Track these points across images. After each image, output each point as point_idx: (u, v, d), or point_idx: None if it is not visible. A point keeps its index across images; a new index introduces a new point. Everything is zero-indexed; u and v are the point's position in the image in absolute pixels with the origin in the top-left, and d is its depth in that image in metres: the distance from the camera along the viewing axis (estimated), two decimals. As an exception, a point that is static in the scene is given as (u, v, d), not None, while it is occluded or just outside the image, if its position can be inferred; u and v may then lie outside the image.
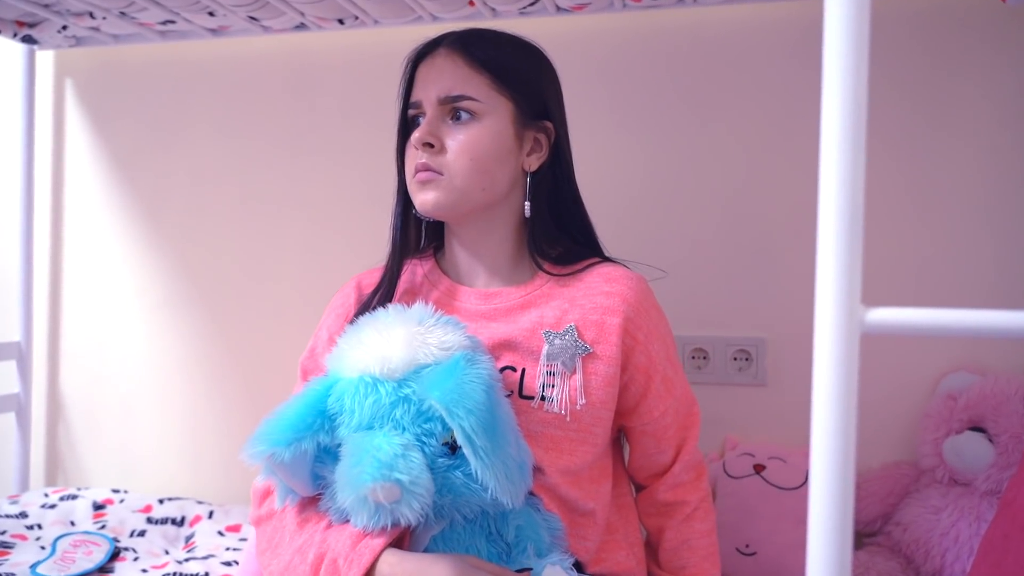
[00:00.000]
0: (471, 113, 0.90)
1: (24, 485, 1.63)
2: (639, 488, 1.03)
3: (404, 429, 0.78)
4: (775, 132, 1.35)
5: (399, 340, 0.80)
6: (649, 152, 1.40)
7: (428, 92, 0.92)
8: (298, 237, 1.57)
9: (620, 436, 1.03)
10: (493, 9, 1.37)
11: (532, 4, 1.34)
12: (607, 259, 0.99)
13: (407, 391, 0.78)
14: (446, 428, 0.77)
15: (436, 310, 0.86)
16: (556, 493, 0.89)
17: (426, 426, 0.78)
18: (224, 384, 1.61)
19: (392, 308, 0.87)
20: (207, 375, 1.61)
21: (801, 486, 1.24)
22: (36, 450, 1.68)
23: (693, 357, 1.37)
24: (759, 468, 1.27)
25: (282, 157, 1.57)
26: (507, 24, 1.39)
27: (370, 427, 0.78)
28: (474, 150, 0.89)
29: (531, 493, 0.87)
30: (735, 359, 1.36)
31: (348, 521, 0.80)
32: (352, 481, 0.74)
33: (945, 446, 1.18)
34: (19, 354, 1.63)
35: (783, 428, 1.34)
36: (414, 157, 0.92)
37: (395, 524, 0.77)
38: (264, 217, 1.58)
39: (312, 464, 0.82)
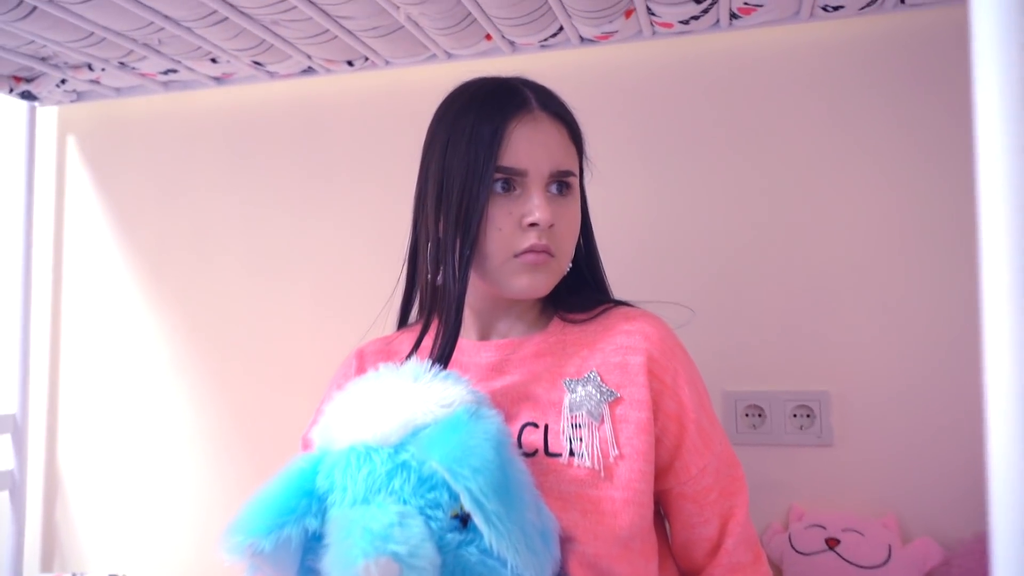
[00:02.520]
0: (571, 188, 0.85)
1: (17, 570, 1.50)
2: None
3: (405, 502, 0.66)
4: (831, 164, 1.22)
5: (392, 401, 0.70)
6: (687, 191, 1.28)
7: (539, 163, 0.81)
8: (310, 295, 1.46)
9: (661, 512, 0.89)
10: (512, 43, 1.27)
11: (554, 36, 1.24)
12: (622, 303, 0.90)
13: (405, 456, 0.67)
14: (454, 497, 0.66)
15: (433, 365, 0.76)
16: (598, 569, 0.75)
17: (430, 496, 0.66)
18: (233, 457, 1.48)
19: (382, 367, 0.76)
20: (215, 447, 1.49)
21: (884, 563, 1.07)
22: (31, 531, 1.56)
23: (747, 415, 1.23)
24: (832, 543, 1.11)
25: (291, 211, 1.48)
26: (528, 59, 1.30)
27: (366, 502, 0.66)
28: (575, 227, 0.86)
29: (564, 574, 0.74)
30: (795, 416, 1.21)
31: None
32: (340, 560, 0.61)
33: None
34: (14, 427, 1.52)
35: (856, 495, 1.18)
36: (516, 231, 0.81)
37: None
38: (273, 275, 1.48)
39: (301, 555, 0.69)
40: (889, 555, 1.08)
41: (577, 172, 0.86)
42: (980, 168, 0.34)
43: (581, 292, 0.90)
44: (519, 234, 0.81)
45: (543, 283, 0.83)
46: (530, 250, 0.80)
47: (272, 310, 1.47)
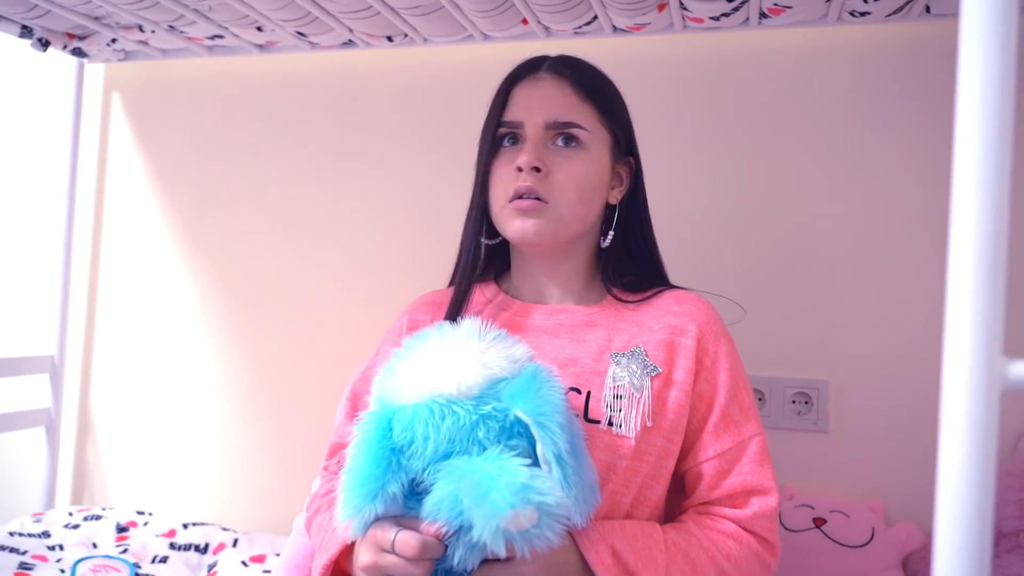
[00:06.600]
0: (579, 142, 0.88)
1: (50, 502, 1.59)
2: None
3: (484, 449, 0.71)
4: (844, 163, 1.27)
5: (470, 356, 0.74)
6: (707, 181, 1.33)
7: (532, 114, 0.89)
8: (339, 260, 1.52)
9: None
10: (547, 28, 1.32)
11: (588, 24, 1.29)
12: (675, 287, 0.94)
13: (487, 408, 0.71)
14: (532, 444, 0.71)
15: (492, 325, 0.80)
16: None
17: (511, 443, 0.71)
18: (258, 409, 1.56)
19: (440, 326, 0.79)
20: (241, 399, 1.57)
21: (867, 544, 1.14)
22: (64, 466, 1.65)
23: (748, 398, 1.29)
24: (819, 522, 1.18)
25: (325, 177, 1.54)
26: (561, 44, 1.34)
27: (448, 453, 0.71)
28: (580, 180, 0.88)
29: None
30: (794, 402, 1.27)
31: None
32: (486, 509, 0.65)
33: (1030, 508, 1.08)
34: (52, 368, 1.61)
35: (846, 479, 1.24)
36: (512, 179, 0.87)
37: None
38: (304, 239, 1.54)
39: (404, 503, 0.74)
40: (872, 536, 1.15)
41: (589, 127, 0.88)
42: (955, 176, 0.40)
43: (635, 273, 0.93)
44: (513, 179, 0.87)
45: (533, 228, 0.86)
46: (516, 193, 0.86)
47: (302, 272, 1.54)
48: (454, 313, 0.91)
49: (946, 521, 0.40)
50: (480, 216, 0.93)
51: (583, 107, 0.89)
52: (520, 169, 0.86)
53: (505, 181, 0.88)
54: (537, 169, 0.86)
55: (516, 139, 0.90)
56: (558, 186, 0.86)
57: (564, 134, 0.88)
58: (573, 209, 0.87)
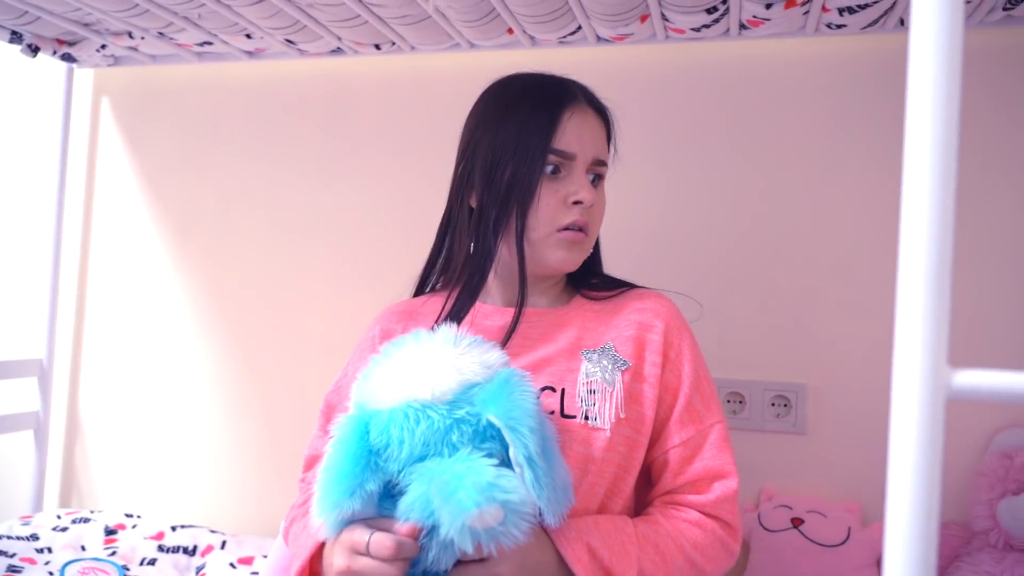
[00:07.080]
0: (602, 180, 0.95)
1: (38, 505, 1.60)
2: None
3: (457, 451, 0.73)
4: (821, 170, 1.30)
5: (445, 362, 0.76)
6: (688, 187, 1.36)
7: (585, 150, 0.91)
8: (326, 265, 1.54)
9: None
10: (532, 38, 1.34)
11: (572, 34, 1.31)
12: (639, 287, 0.99)
13: (460, 413, 0.74)
14: (505, 448, 0.73)
15: (466, 330, 0.82)
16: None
17: (484, 446, 0.73)
18: (245, 411, 1.57)
19: (416, 333, 0.82)
20: (229, 401, 1.58)
21: (843, 543, 1.17)
22: (52, 469, 1.66)
23: (729, 401, 1.31)
24: (797, 522, 1.21)
25: (313, 183, 1.56)
26: (547, 54, 1.37)
27: (423, 456, 0.73)
28: (602, 215, 0.96)
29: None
30: (773, 405, 1.30)
31: None
32: (452, 508, 0.67)
33: (1000, 508, 1.11)
34: (40, 371, 1.61)
35: (823, 480, 1.27)
36: (562, 209, 0.90)
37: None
38: (293, 244, 1.56)
39: (379, 504, 0.76)
40: (848, 536, 1.18)
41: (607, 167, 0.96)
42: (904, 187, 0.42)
43: (598, 276, 1.00)
44: (563, 210, 0.90)
45: (575, 259, 0.92)
46: (571, 226, 0.90)
47: (291, 276, 1.56)
48: (455, 320, 0.91)
49: (895, 520, 0.43)
50: (505, 228, 0.90)
51: (607, 147, 0.97)
52: (577, 203, 0.90)
53: (553, 209, 0.90)
54: (591, 205, 0.91)
55: (558, 168, 0.90)
56: (593, 221, 0.93)
57: (598, 172, 0.93)
58: (594, 240, 0.96)
